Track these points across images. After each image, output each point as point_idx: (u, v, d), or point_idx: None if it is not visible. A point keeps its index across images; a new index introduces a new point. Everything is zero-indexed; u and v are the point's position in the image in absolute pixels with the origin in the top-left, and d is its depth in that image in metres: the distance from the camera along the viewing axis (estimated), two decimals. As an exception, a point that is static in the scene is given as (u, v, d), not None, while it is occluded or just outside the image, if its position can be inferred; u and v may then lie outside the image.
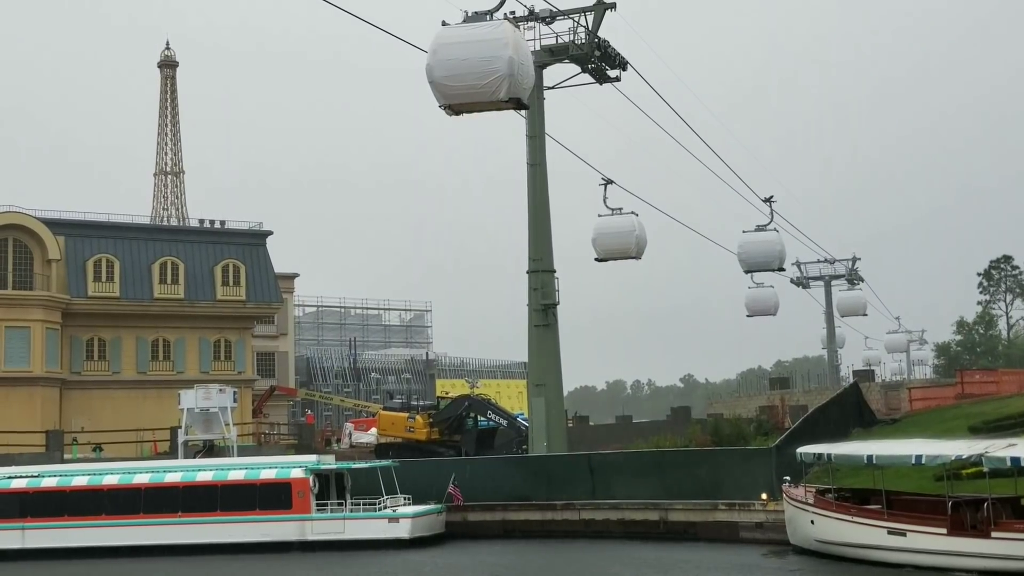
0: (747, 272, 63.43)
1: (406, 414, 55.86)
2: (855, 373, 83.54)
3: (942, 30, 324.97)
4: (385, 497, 39.49)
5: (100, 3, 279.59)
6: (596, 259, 49.51)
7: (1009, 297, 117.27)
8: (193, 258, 68.40)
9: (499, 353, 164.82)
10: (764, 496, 35.65)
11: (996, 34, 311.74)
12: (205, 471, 41.26)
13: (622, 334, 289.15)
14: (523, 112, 41.73)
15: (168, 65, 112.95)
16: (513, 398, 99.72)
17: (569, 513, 39.43)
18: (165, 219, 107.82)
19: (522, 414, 58.97)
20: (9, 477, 42.04)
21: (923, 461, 28.50)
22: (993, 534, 26.56)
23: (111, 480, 41.14)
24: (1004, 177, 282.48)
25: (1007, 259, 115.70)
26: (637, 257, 49.25)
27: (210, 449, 50.08)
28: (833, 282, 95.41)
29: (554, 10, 43.14)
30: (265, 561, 37.09)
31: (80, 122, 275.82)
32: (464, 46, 30.10)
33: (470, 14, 31.17)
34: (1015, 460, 26.53)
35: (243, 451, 50.30)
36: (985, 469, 27.28)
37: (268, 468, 40.64)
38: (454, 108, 31.44)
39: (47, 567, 38.15)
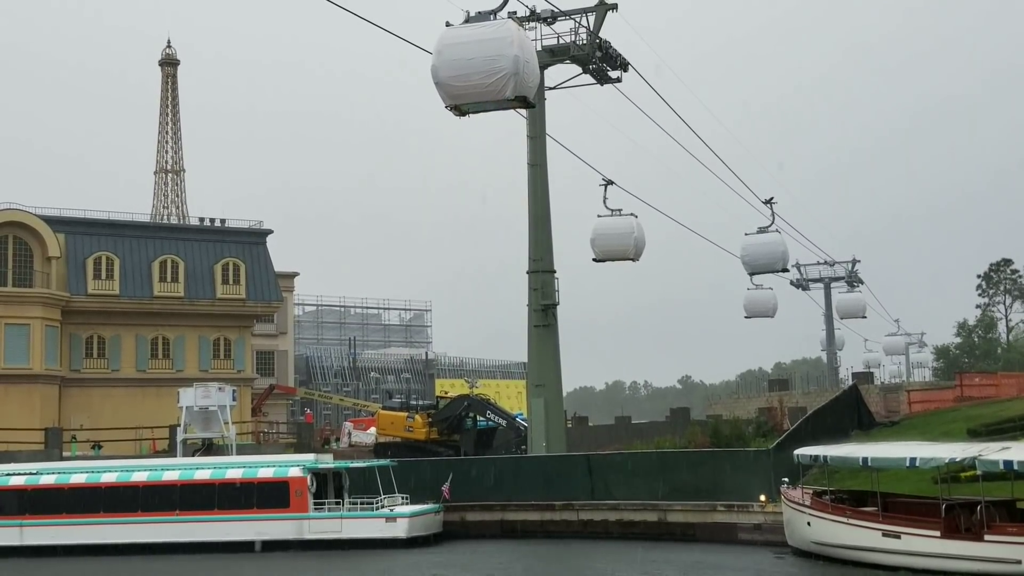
0: (751, 274, 63.01)
1: (405, 414, 55.94)
2: (854, 375, 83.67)
3: (951, 15, 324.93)
4: (383, 496, 39.58)
5: (101, 1, 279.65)
6: (594, 259, 49.55)
7: (1008, 300, 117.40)
8: (193, 256, 68.41)
9: (498, 353, 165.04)
10: (762, 498, 35.74)
11: (998, 29, 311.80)
12: (203, 469, 41.31)
13: (621, 335, 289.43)
14: (524, 112, 41.81)
15: (169, 63, 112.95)
16: (512, 398, 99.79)
17: (568, 513, 39.50)
18: (165, 217, 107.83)
19: (521, 414, 59.01)
20: (8, 474, 42.13)
21: (917, 464, 28.58)
22: (986, 537, 26.64)
23: (109, 478, 41.24)
24: (1005, 178, 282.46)
25: (1007, 262, 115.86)
26: (635, 259, 49.23)
27: (209, 447, 50.12)
28: (833, 284, 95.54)
29: (555, 10, 43.21)
30: (262, 560, 37.18)
31: (80, 120, 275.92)
32: (469, 46, 30.08)
33: (472, 14, 31.20)
34: (1008, 464, 26.61)
35: (242, 450, 50.32)
36: (978, 472, 27.37)
37: (266, 467, 40.73)
38: (460, 108, 31.39)
39: (45, 564, 38.22)
